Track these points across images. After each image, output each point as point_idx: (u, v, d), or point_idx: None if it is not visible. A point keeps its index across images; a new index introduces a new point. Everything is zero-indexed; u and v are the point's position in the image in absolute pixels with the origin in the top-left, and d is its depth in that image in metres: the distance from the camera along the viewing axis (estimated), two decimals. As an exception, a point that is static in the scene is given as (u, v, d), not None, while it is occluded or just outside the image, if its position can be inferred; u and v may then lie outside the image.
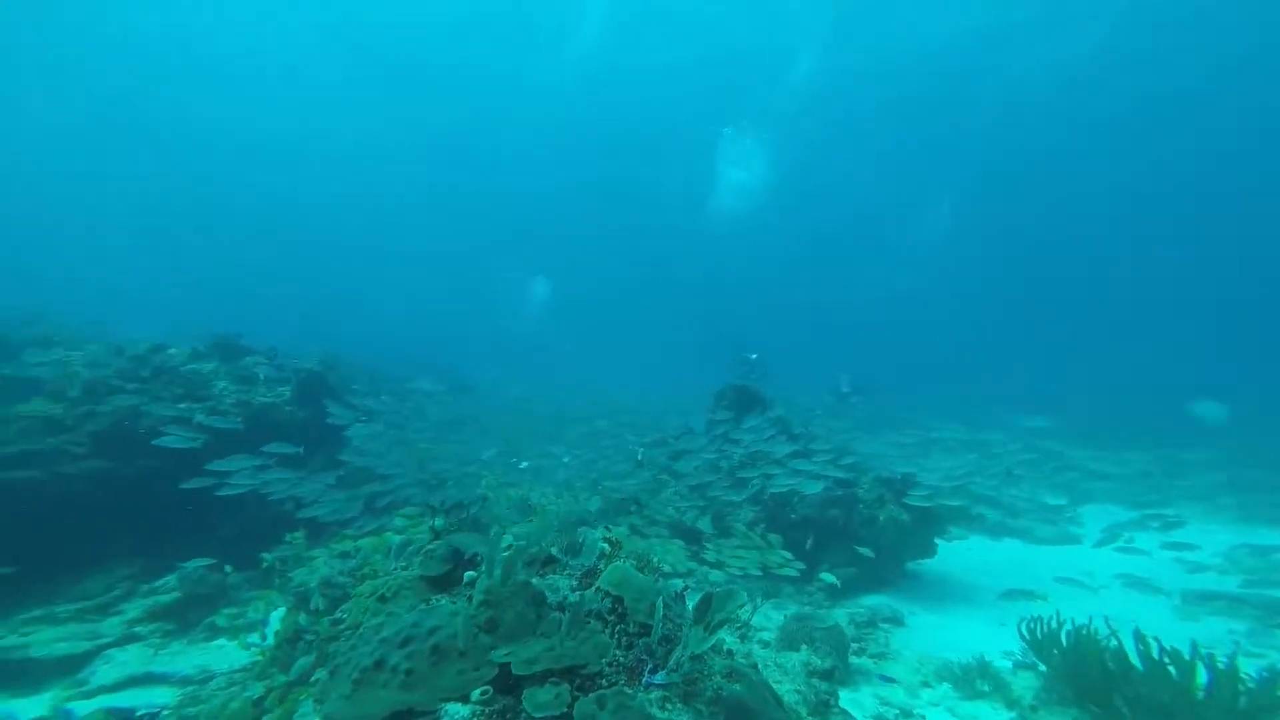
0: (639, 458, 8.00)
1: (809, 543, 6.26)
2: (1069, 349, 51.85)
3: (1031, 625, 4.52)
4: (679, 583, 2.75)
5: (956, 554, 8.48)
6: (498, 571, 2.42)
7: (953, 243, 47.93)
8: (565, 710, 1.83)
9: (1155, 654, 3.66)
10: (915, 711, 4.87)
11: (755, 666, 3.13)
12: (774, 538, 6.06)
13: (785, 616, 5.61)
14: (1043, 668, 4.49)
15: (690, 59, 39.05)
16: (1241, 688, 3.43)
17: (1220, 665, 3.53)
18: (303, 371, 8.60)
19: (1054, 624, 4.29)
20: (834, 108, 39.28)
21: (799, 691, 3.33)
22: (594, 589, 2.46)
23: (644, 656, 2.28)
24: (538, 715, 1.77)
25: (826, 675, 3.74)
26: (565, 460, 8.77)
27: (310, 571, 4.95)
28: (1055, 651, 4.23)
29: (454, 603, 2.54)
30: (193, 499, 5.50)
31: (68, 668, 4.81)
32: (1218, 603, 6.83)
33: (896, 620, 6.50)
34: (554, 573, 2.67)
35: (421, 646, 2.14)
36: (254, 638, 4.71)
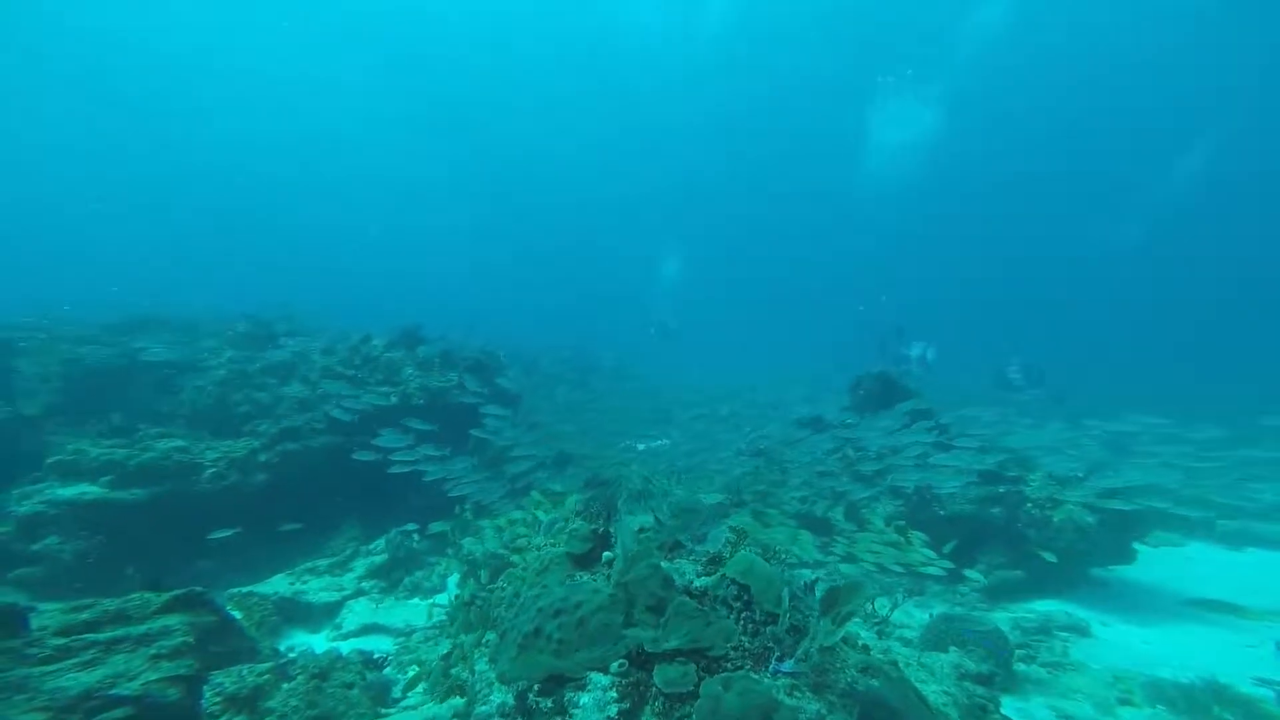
0: (750, 445, 7.88)
1: (949, 546, 5.70)
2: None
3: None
4: (808, 573, 2.74)
5: (1166, 561, 7.16)
6: (632, 553, 2.63)
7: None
8: (693, 688, 1.97)
9: None
10: (1101, 732, 4.32)
11: (895, 664, 3.03)
12: (916, 535, 5.67)
13: (931, 616, 5.26)
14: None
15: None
16: None
17: None
18: (468, 359, 9.67)
19: None
20: (1017, 53, 32.61)
21: (948, 694, 3.14)
22: (719, 575, 2.56)
23: (770, 644, 2.35)
24: (667, 690, 1.93)
25: (984, 680, 3.47)
26: (665, 443, 8.87)
27: (478, 541, 5.67)
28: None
29: (594, 579, 2.81)
30: (387, 473, 6.46)
31: (328, 613, 5.86)
32: None
33: (1079, 630, 5.74)
34: (681, 558, 2.82)
35: (570, 619, 2.42)
36: (440, 598, 5.51)
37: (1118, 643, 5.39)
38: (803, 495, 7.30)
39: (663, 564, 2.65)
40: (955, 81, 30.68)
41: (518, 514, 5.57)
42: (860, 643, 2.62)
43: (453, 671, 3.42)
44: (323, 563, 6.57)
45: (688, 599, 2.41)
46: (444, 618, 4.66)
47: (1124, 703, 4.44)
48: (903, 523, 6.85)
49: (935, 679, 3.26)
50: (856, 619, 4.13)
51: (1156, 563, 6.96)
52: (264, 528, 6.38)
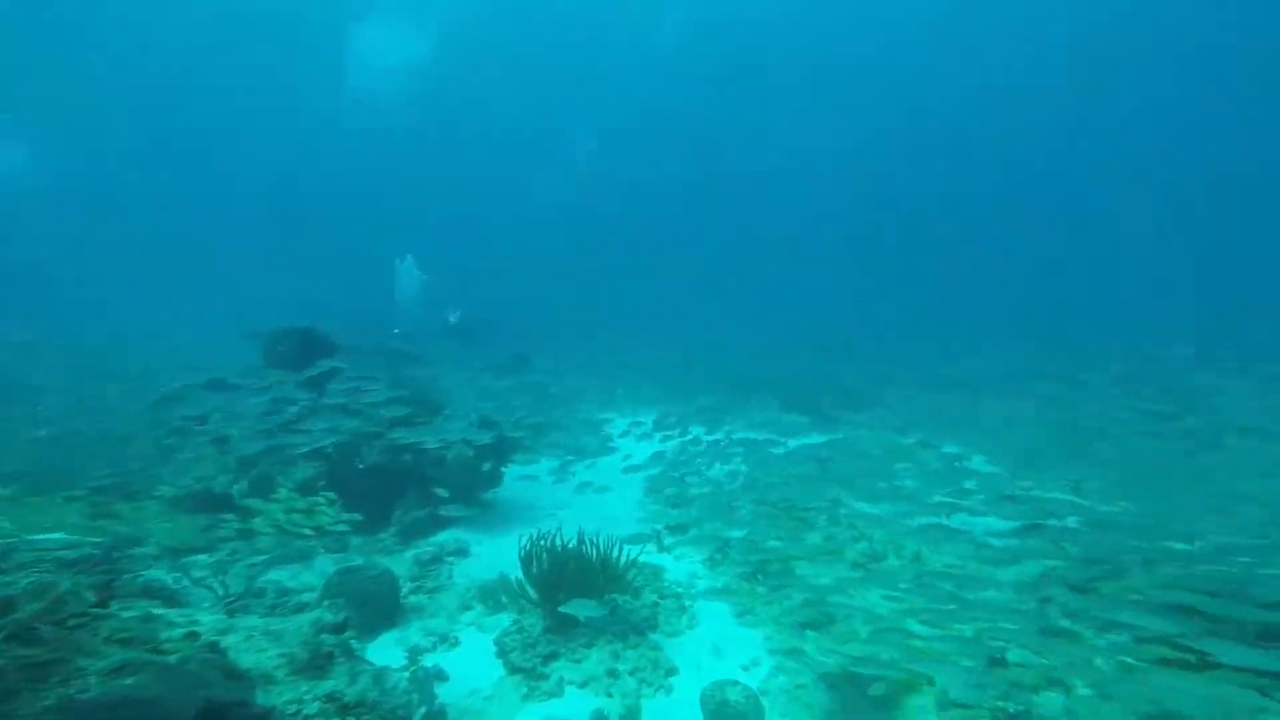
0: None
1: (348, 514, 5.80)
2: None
3: (526, 542, 5.27)
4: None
5: (525, 481, 9.45)
6: None
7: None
8: None
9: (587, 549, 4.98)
10: (453, 634, 5.24)
11: (214, 645, 2.67)
12: (324, 496, 5.55)
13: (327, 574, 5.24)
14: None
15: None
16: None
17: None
18: None
19: (540, 540, 5.12)
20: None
21: (288, 654, 3.03)
22: None
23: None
24: None
25: (339, 628, 3.55)
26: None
27: None
28: (535, 563, 5.08)
29: None
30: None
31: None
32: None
33: (461, 553, 6.90)
34: None
35: None
36: None
37: (486, 556, 6.76)
38: (196, 474, 6.02)
39: None
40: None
41: None
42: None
43: None
44: None
45: None
46: None
47: (465, 609, 5.54)
48: (323, 483, 6.57)
49: (281, 642, 3.10)
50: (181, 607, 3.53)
51: (517, 483, 9.16)
52: None
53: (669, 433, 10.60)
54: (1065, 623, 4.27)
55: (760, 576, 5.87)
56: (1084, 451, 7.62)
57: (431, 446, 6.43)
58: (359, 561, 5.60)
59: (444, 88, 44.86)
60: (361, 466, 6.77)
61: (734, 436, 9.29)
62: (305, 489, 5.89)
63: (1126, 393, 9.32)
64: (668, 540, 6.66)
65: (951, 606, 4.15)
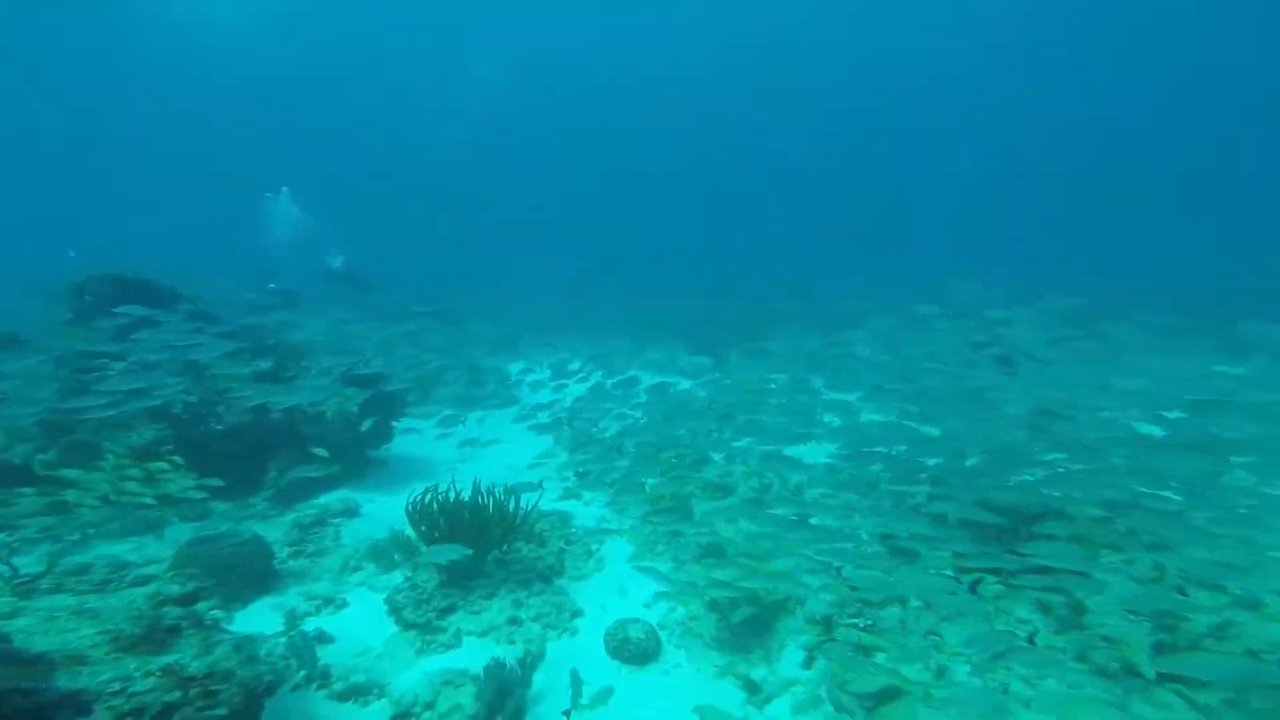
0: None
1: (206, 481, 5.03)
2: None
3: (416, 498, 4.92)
4: None
5: (418, 435, 8.85)
6: None
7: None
8: None
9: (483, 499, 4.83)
10: (339, 596, 4.83)
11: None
12: (170, 460, 4.81)
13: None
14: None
15: None
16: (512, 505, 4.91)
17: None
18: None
19: (429, 494, 4.80)
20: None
21: (109, 631, 2.56)
22: None
23: None
24: None
25: (187, 599, 3.09)
26: None
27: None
28: (423, 519, 4.77)
29: None
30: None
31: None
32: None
33: (351, 512, 6.39)
34: None
35: None
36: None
37: (377, 515, 6.29)
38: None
39: None
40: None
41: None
42: None
43: None
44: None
45: None
46: None
47: (354, 570, 5.13)
48: (170, 448, 5.74)
49: (100, 620, 2.61)
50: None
51: (414, 437, 8.64)
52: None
53: (566, 380, 10.36)
54: (908, 544, 4.85)
55: (660, 517, 5.93)
56: (915, 380, 8.69)
57: (287, 404, 5.74)
58: (223, 529, 4.96)
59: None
60: (220, 428, 5.96)
61: (634, 379, 9.24)
62: (145, 454, 5.07)
63: (951, 326, 10.50)
64: (572, 484, 6.53)
65: (810, 533, 4.53)
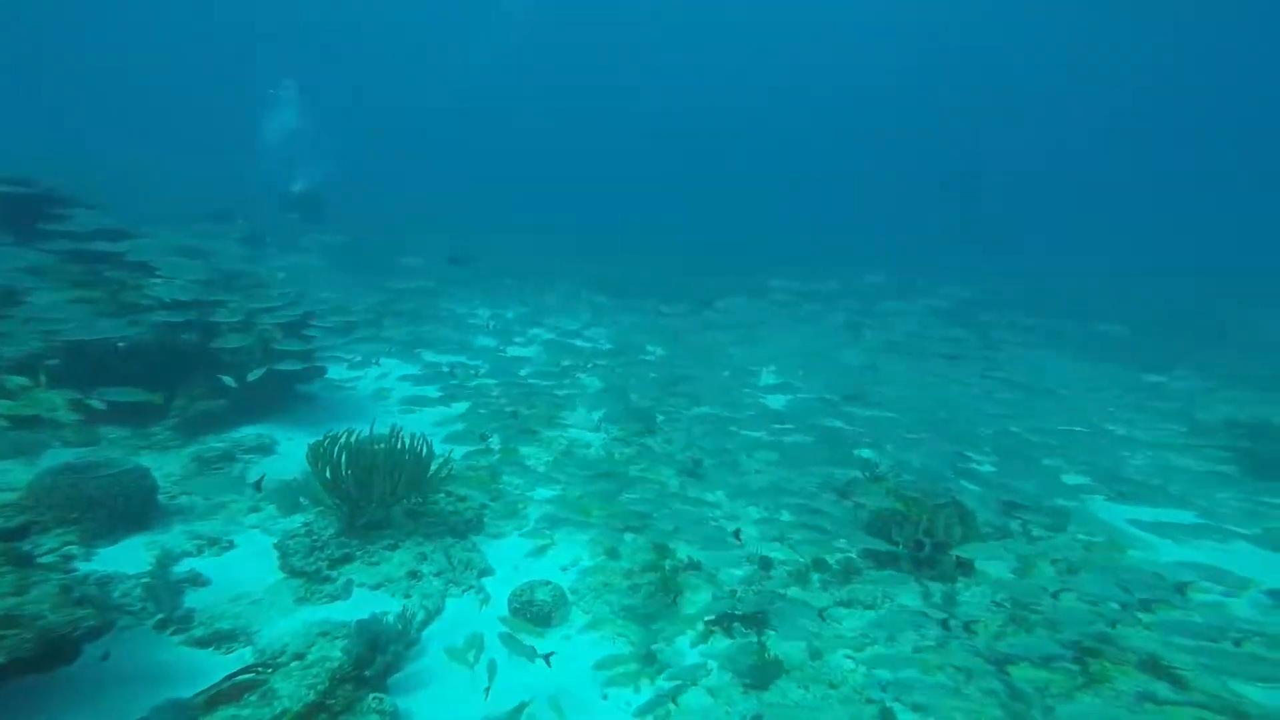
0: None
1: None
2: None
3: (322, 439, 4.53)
4: None
5: (355, 373, 8.40)
6: None
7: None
8: None
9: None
10: (226, 538, 4.46)
11: None
12: (36, 376, 4.31)
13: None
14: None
15: None
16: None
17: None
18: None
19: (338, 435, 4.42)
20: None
21: None
22: None
23: None
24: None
25: (8, 535, 2.69)
26: None
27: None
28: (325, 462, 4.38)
29: None
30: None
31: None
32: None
33: (265, 449, 5.97)
34: None
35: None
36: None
37: (294, 454, 5.86)
38: None
39: None
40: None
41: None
42: None
43: None
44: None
45: None
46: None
47: (254, 510, 4.74)
48: (55, 362, 5.21)
49: None
50: None
51: (357, 375, 8.17)
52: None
53: (521, 335, 9.94)
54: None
55: (597, 479, 5.62)
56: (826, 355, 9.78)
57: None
58: (95, 458, 4.49)
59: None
60: (122, 346, 5.43)
61: (594, 338, 8.90)
62: (19, 369, 4.55)
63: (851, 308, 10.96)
64: (494, 442, 6.17)
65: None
